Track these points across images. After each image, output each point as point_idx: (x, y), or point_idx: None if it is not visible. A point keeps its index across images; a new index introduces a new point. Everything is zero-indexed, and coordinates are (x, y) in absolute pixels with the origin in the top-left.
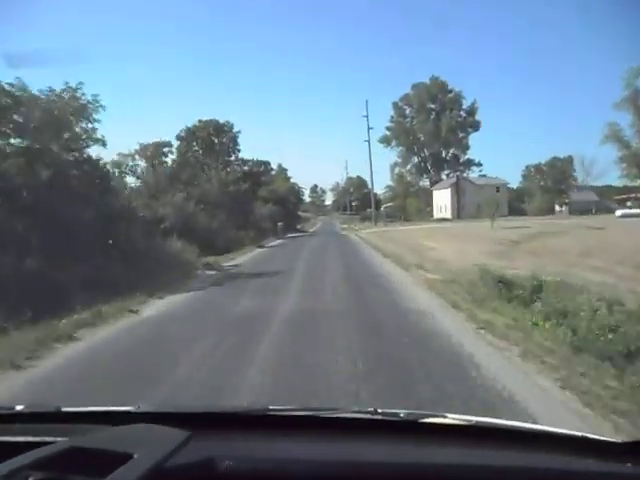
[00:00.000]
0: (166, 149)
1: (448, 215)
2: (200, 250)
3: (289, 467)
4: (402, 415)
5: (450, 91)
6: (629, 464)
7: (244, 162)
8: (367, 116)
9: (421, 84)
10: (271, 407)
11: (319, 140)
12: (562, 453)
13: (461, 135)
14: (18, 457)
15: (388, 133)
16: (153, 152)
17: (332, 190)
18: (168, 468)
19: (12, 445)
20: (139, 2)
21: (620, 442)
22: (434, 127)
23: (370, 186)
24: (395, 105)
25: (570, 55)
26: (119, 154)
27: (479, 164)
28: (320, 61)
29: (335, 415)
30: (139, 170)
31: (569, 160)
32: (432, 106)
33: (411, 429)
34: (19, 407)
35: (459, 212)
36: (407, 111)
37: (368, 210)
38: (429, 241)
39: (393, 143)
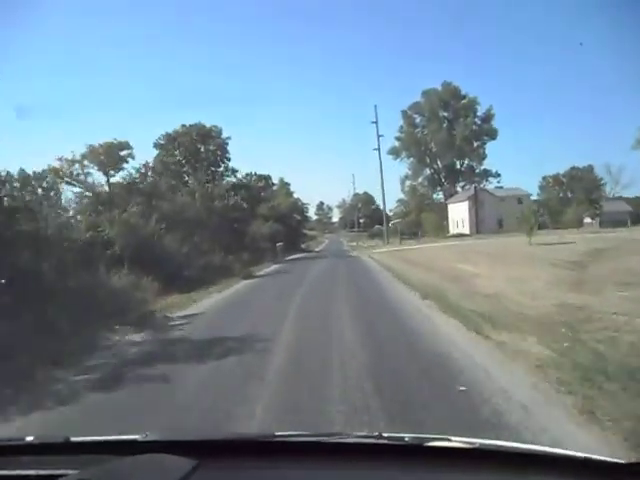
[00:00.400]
0: (124, 152)
1: (466, 230)
2: (164, 284)
3: None
4: (407, 439)
5: (463, 97)
6: None
7: (234, 172)
8: (376, 122)
9: (432, 91)
10: (277, 433)
11: (324, 155)
12: (567, 476)
13: (476, 144)
14: None
15: (397, 144)
16: (106, 156)
17: (339, 207)
18: None
19: (22, 478)
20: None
21: (624, 463)
22: (447, 136)
23: (378, 202)
24: (404, 114)
25: (586, 59)
26: (60, 159)
27: (497, 174)
28: (323, 71)
29: (340, 440)
30: (90, 180)
31: (589, 169)
32: (444, 114)
33: (416, 453)
34: (29, 438)
35: (478, 227)
36: (417, 120)
37: (376, 227)
38: (465, 264)
39: (403, 155)
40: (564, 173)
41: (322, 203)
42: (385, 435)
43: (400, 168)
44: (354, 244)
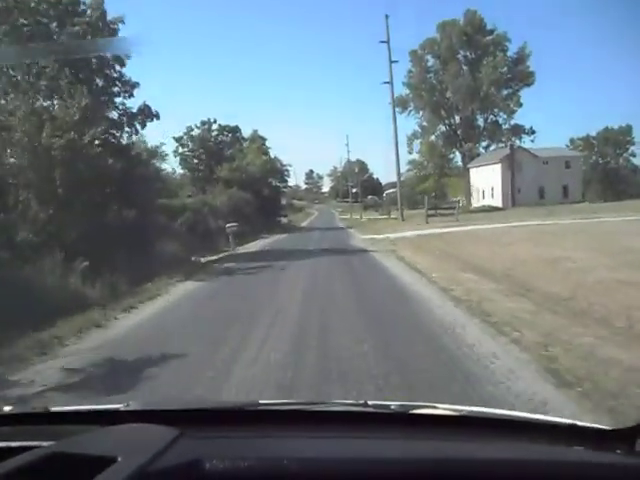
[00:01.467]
0: None
1: (497, 202)
2: None
3: (278, 466)
4: (392, 407)
5: (491, 32)
6: (618, 451)
7: (127, 93)
8: (387, 41)
9: (451, 23)
10: (261, 402)
11: (314, 118)
12: (553, 442)
13: (507, 92)
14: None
15: (404, 94)
16: None
17: (329, 175)
18: (152, 471)
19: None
20: None
21: (610, 429)
22: (469, 81)
23: (372, 169)
24: (414, 55)
25: None
26: None
27: (530, 131)
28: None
29: (326, 409)
30: None
31: (626, 130)
32: (466, 53)
33: (402, 421)
34: (6, 408)
35: (514, 198)
36: (430, 62)
37: (370, 197)
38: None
39: (411, 107)
40: (596, 135)
41: (312, 171)
42: (370, 403)
43: (407, 125)
44: (347, 217)
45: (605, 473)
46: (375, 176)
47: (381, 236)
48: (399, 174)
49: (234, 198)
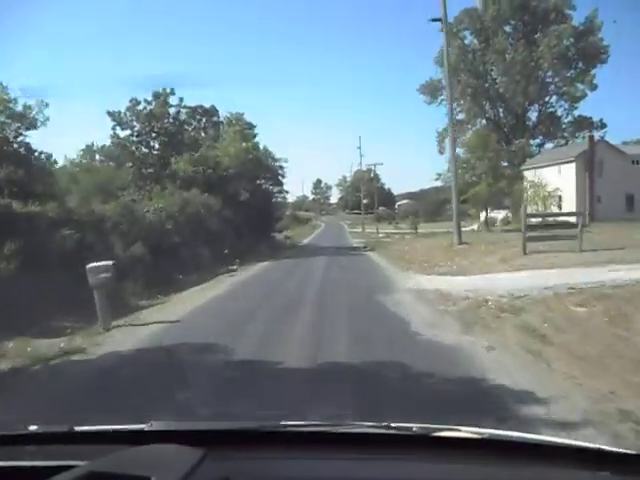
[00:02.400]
0: None
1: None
2: None
3: None
4: (415, 429)
5: None
6: None
7: None
8: None
9: None
10: (284, 423)
11: (322, 126)
12: (578, 467)
13: (570, 73)
14: None
15: (434, 78)
16: None
17: (338, 186)
18: None
19: (27, 469)
20: None
21: (636, 454)
22: (524, 57)
23: (383, 179)
24: (449, 29)
25: None
26: None
27: (601, 125)
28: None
29: (348, 430)
30: None
31: None
32: (518, 23)
33: (424, 443)
34: (32, 427)
35: (593, 208)
36: (469, 40)
37: (381, 208)
38: None
39: (443, 95)
40: None
41: (319, 181)
42: (393, 425)
43: (436, 118)
44: (359, 231)
45: None
46: (386, 186)
47: (455, 284)
48: (455, 170)
49: (192, 205)
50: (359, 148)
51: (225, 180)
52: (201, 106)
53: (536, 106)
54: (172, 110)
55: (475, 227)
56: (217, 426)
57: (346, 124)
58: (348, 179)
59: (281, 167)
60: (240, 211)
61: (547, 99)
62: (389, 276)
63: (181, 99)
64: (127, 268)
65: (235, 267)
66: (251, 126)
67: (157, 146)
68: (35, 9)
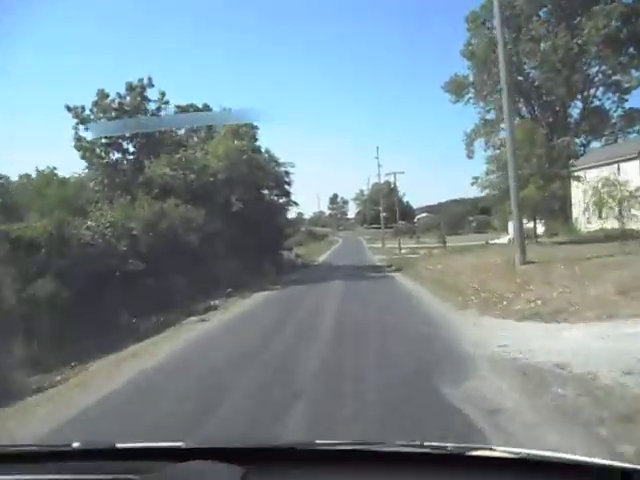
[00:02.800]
0: None
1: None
2: None
3: None
4: (449, 448)
5: None
6: None
7: None
8: None
9: None
10: (318, 442)
11: (337, 140)
12: None
13: (620, 59)
14: None
15: (460, 74)
16: None
17: (355, 200)
18: None
19: None
20: None
21: None
22: (566, 41)
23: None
24: (473, 16)
25: None
26: None
27: None
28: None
29: (382, 449)
30: None
31: None
32: (552, 8)
33: (459, 462)
34: (75, 444)
35: None
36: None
37: (400, 223)
38: None
39: (470, 93)
40: None
41: (336, 196)
42: (427, 444)
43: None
44: (378, 246)
45: None
46: (405, 200)
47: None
48: (514, 157)
49: (167, 219)
50: (377, 158)
51: (213, 187)
52: (192, 105)
53: (578, 101)
54: (151, 106)
55: (505, 240)
56: (253, 444)
57: (362, 137)
58: (365, 193)
59: (287, 173)
60: (235, 225)
61: (592, 91)
62: (441, 321)
63: (163, 94)
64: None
65: (218, 302)
66: (252, 126)
67: (132, 149)
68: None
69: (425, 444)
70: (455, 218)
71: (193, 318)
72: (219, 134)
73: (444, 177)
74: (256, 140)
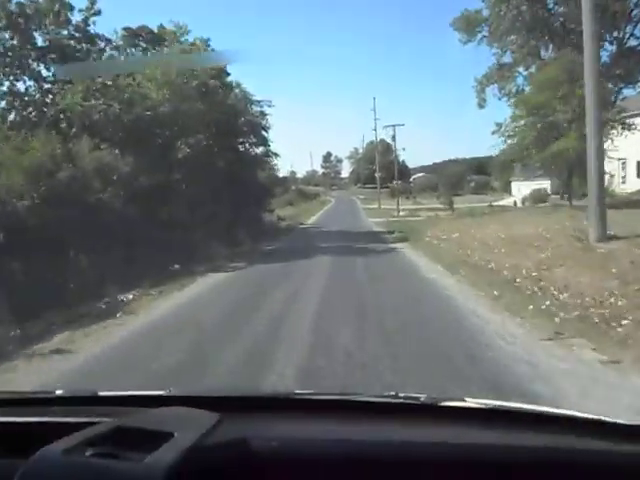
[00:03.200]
0: None
1: None
2: None
3: (319, 445)
4: (422, 399)
5: None
6: None
7: None
8: None
9: None
10: (297, 391)
11: (330, 95)
12: (581, 434)
13: None
14: (74, 434)
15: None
16: None
17: (350, 158)
18: (206, 446)
19: (53, 425)
20: None
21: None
22: None
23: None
24: None
25: None
26: None
27: None
28: None
29: (357, 399)
30: None
31: None
32: None
33: (431, 412)
34: (58, 392)
35: None
36: None
37: (395, 182)
38: None
39: (483, 29)
40: None
41: (329, 154)
42: (401, 395)
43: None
44: (374, 207)
45: (632, 461)
46: (401, 159)
47: None
48: (596, 76)
49: (79, 168)
50: (373, 110)
51: (154, 127)
52: (144, 27)
53: (607, 43)
54: (77, 17)
55: (509, 202)
56: (233, 393)
57: (359, 93)
58: (360, 151)
59: (263, 114)
60: (196, 181)
61: (628, 29)
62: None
63: (92, 2)
64: None
65: (131, 295)
66: (205, 42)
67: (46, 73)
68: None
69: (400, 395)
70: (454, 178)
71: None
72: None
73: (441, 136)
74: (227, 75)
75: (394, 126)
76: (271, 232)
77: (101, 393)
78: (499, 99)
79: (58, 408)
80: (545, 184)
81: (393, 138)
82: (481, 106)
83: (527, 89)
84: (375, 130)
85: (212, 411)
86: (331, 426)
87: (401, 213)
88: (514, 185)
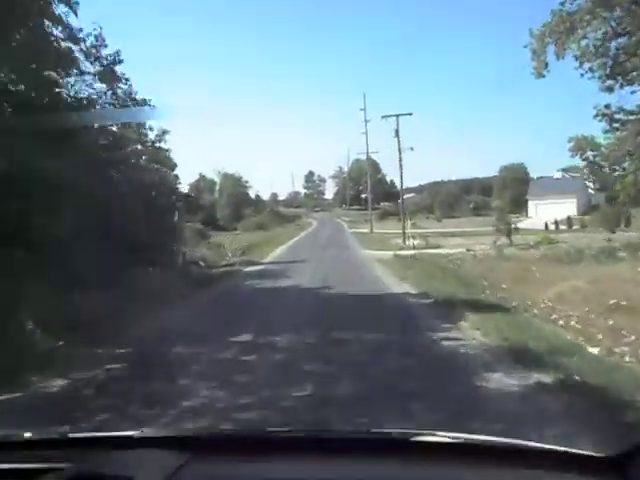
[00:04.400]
0: None
1: None
2: None
3: None
4: (393, 435)
5: None
6: (612, 477)
7: None
8: None
9: None
10: (269, 429)
11: (314, 111)
12: (549, 469)
13: None
14: None
15: None
16: None
17: (334, 178)
18: None
19: (19, 471)
20: None
21: (603, 456)
22: None
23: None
24: None
25: None
26: None
27: None
28: None
29: (329, 436)
30: None
31: None
32: None
33: (403, 447)
34: (27, 434)
35: None
36: None
37: (384, 204)
38: None
39: None
40: None
41: (312, 173)
42: (373, 431)
43: None
44: (364, 231)
45: None
46: (389, 178)
47: None
48: None
49: None
50: (363, 110)
51: None
52: None
53: None
54: None
55: (530, 224)
56: (203, 432)
57: (344, 102)
58: (345, 169)
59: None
60: None
61: None
62: None
63: None
64: None
65: None
66: None
67: None
68: None
69: (372, 431)
70: (451, 198)
71: None
72: None
73: (430, 158)
74: None
75: (397, 116)
76: (179, 289)
77: (71, 435)
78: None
79: (25, 452)
80: (569, 204)
81: (396, 133)
82: (539, 75)
83: None
84: (366, 128)
85: (182, 451)
86: (303, 466)
87: (413, 242)
88: (531, 204)
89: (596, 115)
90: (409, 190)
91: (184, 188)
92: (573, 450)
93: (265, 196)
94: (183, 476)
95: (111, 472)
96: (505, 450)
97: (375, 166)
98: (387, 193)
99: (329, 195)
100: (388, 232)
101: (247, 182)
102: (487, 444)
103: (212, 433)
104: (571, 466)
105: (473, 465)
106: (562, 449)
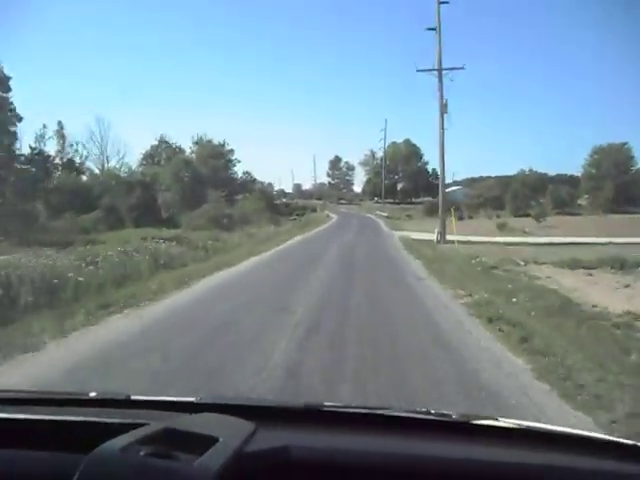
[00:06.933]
0: None
1: None
2: None
3: (356, 456)
4: (454, 416)
5: None
6: None
7: None
8: None
9: None
10: (327, 403)
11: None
12: (602, 457)
13: None
14: (126, 434)
15: None
16: None
17: (364, 165)
18: (249, 453)
19: (92, 425)
20: None
21: None
22: None
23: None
24: None
25: None
26: None
27: None
28: None
29: (389, 413)
30: None
31: None
32: None
33: (462, 430)
34: (92, 394)
35: None
36: None
37: (424, 199)
38: None
39: None
40: None
41: (338, 159)
42: (433, 411)
43: None
44: (423, 237)
45: None
46: (430, 167)
47: None
48: None
49: None
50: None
51: None
52: None
53: None
54: None
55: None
56: (264, 403)
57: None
58: (378, 155)
59: None
60: None
61: None
62: None
63: None
64: None
65: None
66: None
67: None
68: None
69: (431, 411)
70: (526, 189)
71: None
72: None
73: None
74: None
75: (451, 69)
76: None
77: (133, 397)
78: None
79: (88, 409)
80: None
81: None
82: None
83: None
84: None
85: (248, 419)
86: (359, 441)
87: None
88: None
89: None
90: (453, 183)
91: None
92: (610, 437)
93: (288, 188)
94: (258, 440)
95: (196, 430)
96: (566, 437)
97: (415, 151)
98: (428, 185)
99: (358, 186)
100: (472, 240)
101: (231, 150)
102: (547, 431)
103: (272, 405)
104: (608, 453)
105: (531, 448)
106: (600, 435)
